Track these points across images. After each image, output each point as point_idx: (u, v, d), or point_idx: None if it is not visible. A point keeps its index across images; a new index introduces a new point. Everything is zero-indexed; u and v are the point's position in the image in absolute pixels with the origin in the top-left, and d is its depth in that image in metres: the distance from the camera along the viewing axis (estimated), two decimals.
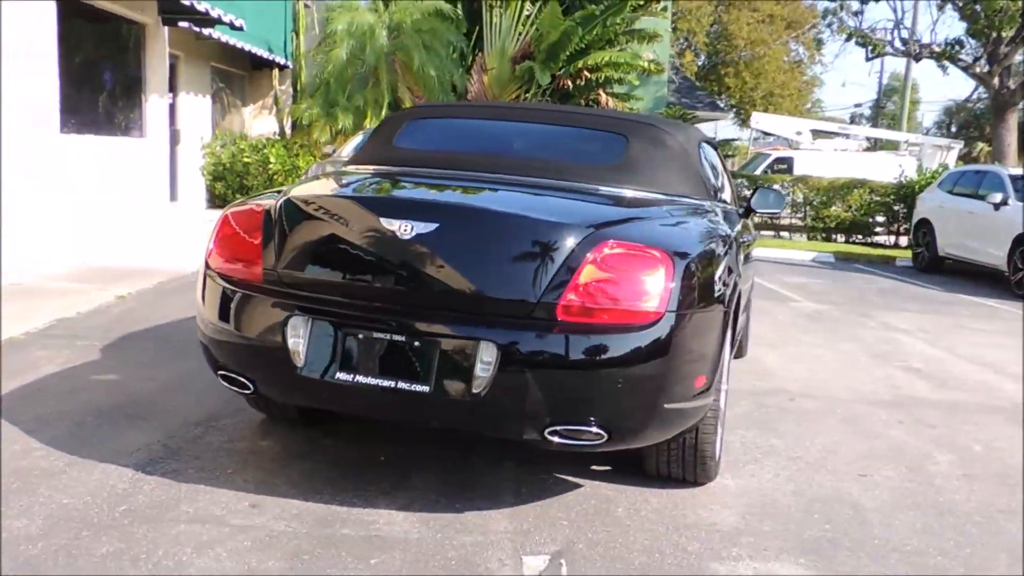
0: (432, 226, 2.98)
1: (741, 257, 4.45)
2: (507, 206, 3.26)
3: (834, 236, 17.90)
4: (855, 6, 24.77)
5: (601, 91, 16.99)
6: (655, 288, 2.94)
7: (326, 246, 3.17)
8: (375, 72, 14.01)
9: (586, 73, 16.25)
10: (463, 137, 4.21)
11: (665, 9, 18.21)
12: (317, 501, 3.23)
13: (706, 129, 24.79)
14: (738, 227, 4.55)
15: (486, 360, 2.88)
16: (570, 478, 3.64)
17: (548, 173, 3.77)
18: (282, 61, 14.98)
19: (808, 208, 18.09)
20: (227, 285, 3.26)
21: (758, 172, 21.97)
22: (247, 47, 12.93)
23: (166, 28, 10.29)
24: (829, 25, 28.54)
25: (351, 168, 4.10)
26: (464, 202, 3.37)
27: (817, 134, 25.61)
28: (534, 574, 2.82)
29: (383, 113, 13.25)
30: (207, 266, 3.36)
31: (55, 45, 8.00)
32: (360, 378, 2.98)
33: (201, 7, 8.75)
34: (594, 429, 2.93)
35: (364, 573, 2.75)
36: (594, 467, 3.76)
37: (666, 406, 3.05)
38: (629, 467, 3.66)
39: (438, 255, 2.99)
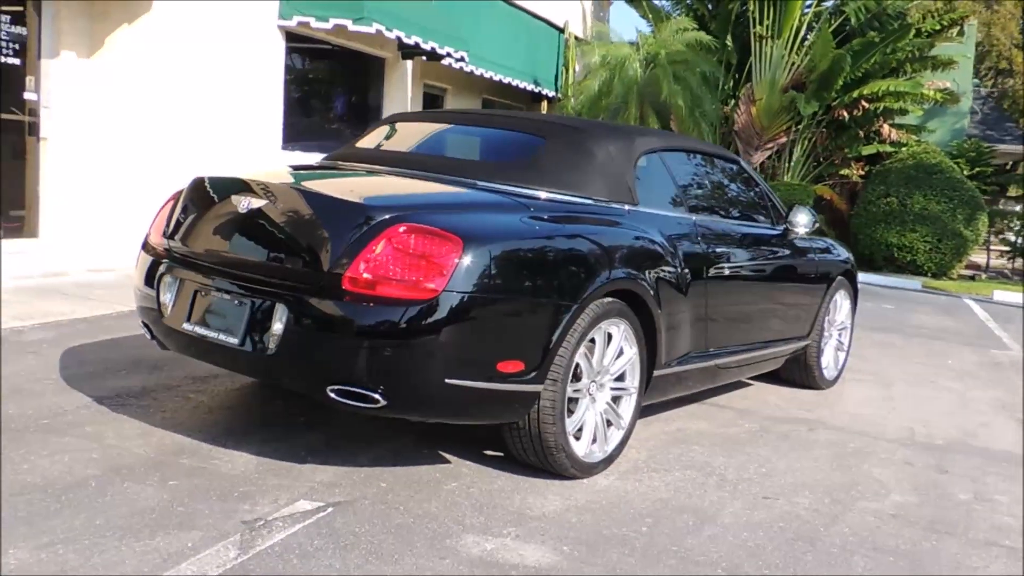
0: (261, 203, 3.43)
1: (714, 272, 4.39)
2: (321, 188, 3.60)
3: None
4: None
5: (883, 122, 16.00)
6: (437, 268, 3.14)
7: (196, 219, 3.73)
8: (627, 102, 14.40)
9: (864, 103, 15.44)
10: (409, 140, 4.58)
11: (962, 33, 16.67)
12: (197, 439, 3.74)
13: None
14: (712, 241, 4.44)
15: (281, 321, 3.26)
16: (446, 454, 3.85)
17: (461, 171, 4.03)
18: (551, 93, 15.88)
19: None
20: (147, 254, 3.93)
21: None
22: (505, 79, 13.91)
23: (408, 61, 11.52)
24: None
25: (313, 162, 4.62)
26: (284, 183, 3.75)
27: None
28: (291, 511, 3.12)
29: None
30: (144, 240, 4.06)
31: (282, 76, 9.42)
32: (198, 328, 3.50)
33: (410, 40, 9.80)
34: (371, 394, 3.17)
35: (149, 486, 3.22)
36: (486, 452, 3.92)
37: (448, 381, 3.21)
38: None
39: (262, 227, 3.44)
